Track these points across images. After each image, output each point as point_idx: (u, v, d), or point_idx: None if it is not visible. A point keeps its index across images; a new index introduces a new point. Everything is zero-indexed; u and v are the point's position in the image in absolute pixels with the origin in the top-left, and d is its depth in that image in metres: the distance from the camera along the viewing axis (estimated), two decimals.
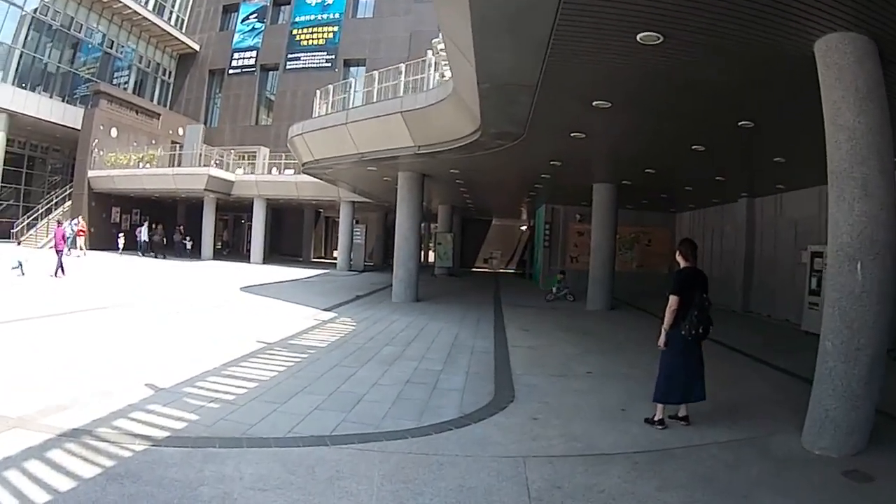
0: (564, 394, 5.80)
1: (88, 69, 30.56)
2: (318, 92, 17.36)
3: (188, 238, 29.44)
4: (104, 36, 31.17)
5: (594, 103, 6.84)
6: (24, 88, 26.34)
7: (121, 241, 26.24)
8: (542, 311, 13.08)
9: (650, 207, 18.72)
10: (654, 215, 19.75)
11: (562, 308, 13.91)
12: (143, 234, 26.99)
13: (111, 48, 31.88)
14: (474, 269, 31.67)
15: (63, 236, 15.25)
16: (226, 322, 9.59)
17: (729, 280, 15.56)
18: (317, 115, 16.11)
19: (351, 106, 14.24)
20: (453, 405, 5.20)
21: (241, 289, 15.02)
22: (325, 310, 11.56)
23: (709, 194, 15.11)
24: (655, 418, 4.85)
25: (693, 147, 8.83)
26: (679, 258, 5.02)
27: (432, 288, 17.70)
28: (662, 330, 4.85)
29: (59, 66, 29.07)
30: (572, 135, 8.54)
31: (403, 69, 13.57)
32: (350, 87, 16.47)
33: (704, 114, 7.14)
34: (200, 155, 27.75)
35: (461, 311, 12.31)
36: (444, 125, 10.36)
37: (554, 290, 15.55)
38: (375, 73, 14.68)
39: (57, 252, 14.75)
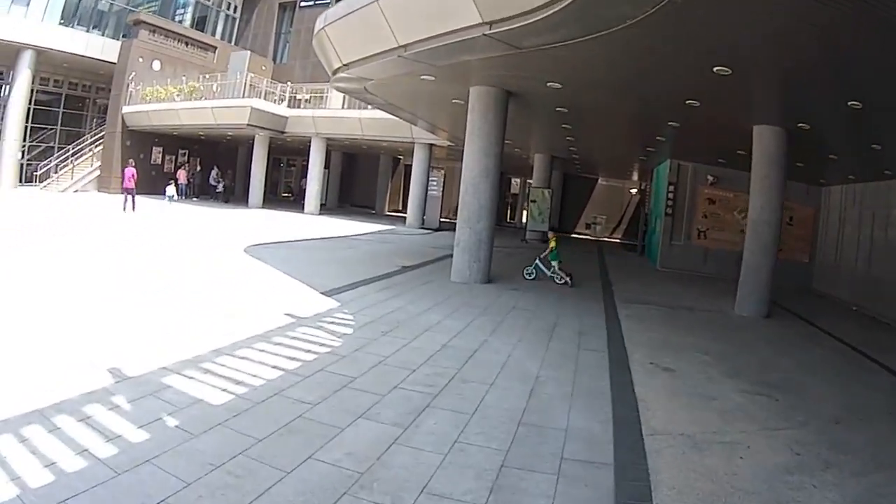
0: None
1: (148, 8, 28.38)
2: None
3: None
4: None
5: None
6: (63, 25, 24.52)
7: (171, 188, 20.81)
8: (675, 314, 8.56)
9: (793, 175, 13.42)
10: (795, 186, 14.35)
11: (699, 311, 9.14)
12: (178, 181, 24.48)
13: None
14: (574, 235, 26.21)
15: (132, 176, 17.89)
16: (144, 313, 5.78)
17: None
18: None
19: None
20: None
21: (245, 249, 11.19)
22: (326, 293, 7.38)
23: None
24: None
25: None
26: None
27: (517, 260, 12.81)
28: None
29: (112, 4, 27.14)
30: None
31: None
32: None
33: None
34: (245, 84, 24.30)
35: (552, 311, 7.82)
36: None
37: (546, 264, 10.04)
38: None
39: (127, 192, 17.65)
